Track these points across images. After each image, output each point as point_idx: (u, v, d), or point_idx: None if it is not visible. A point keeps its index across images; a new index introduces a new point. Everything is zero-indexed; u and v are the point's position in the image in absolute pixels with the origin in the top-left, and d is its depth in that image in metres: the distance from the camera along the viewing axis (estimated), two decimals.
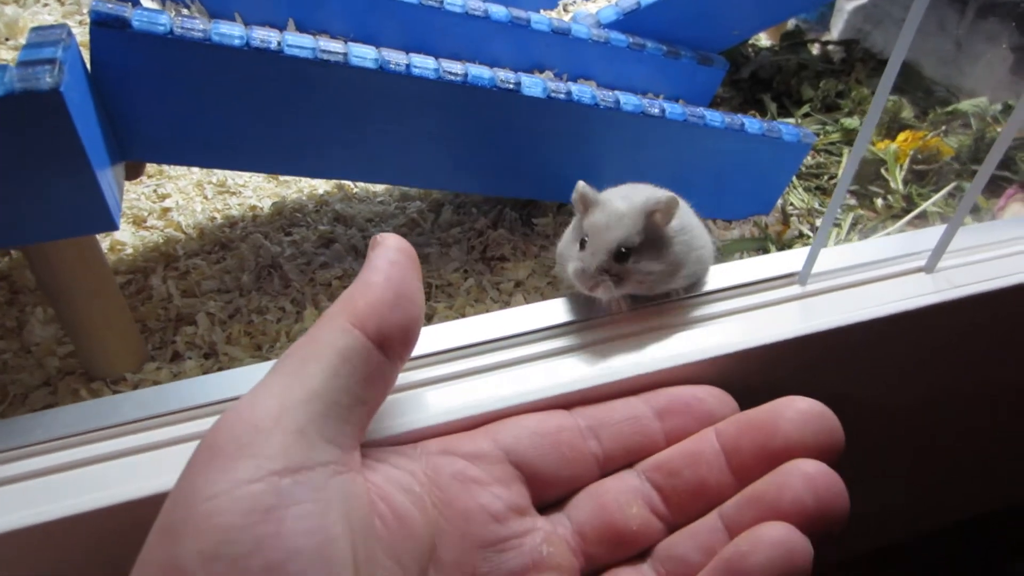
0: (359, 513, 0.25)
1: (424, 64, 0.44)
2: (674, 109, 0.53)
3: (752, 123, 0.57)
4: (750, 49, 0.87)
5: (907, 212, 0.63)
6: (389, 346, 0.28)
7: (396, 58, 0.43)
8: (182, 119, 0.42)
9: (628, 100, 0.51)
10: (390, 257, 0.29)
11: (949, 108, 0.73)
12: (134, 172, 0.47)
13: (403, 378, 0.36)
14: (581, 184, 0.39)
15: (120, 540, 0.31)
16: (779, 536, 0.25)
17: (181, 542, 0.22)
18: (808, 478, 0.27)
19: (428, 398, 0.35)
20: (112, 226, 0.36)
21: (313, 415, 0.25)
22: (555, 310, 0.40)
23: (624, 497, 0.31)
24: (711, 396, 0.34)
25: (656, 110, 0.52)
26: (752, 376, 0.39)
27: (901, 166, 0.66)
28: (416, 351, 0.36)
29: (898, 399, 0.49)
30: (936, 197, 0.62)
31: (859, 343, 0.43)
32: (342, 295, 0.28)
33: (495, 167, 0.51)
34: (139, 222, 0.63)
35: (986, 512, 0.72)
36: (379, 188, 0.67)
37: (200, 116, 0.42)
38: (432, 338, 0.37)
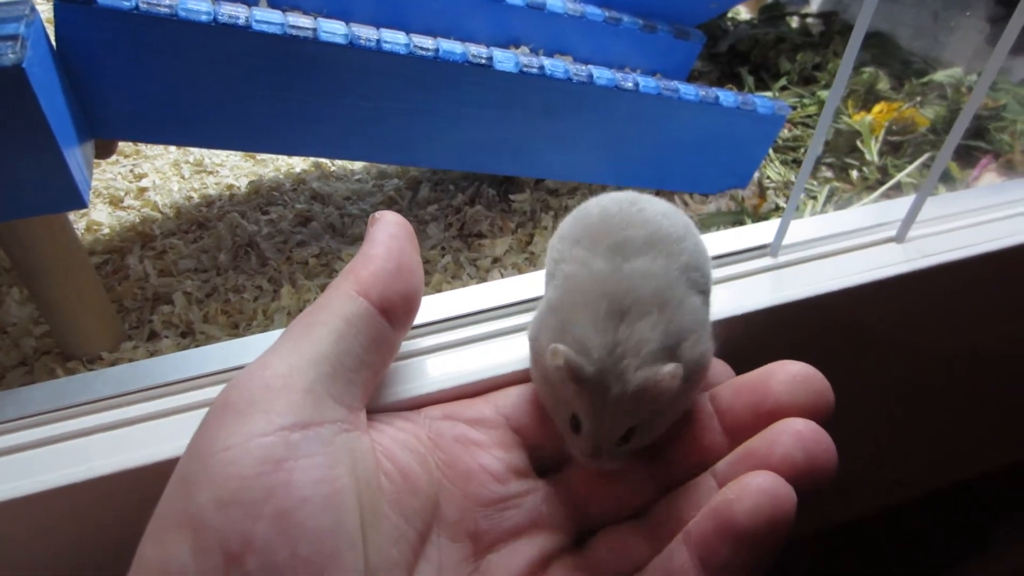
0: (365, 468, 0.26)
1: (395, 39, 0.44)
2: (648, 83, 0.53)
3: (727, 96, 0.57)
4: (728, 22, 0.87)
5: (882, 183, 0.63)
6: (392, 313, 0.29)
7: (366, 33, 0.43)
8: (150, 96, 0.42)
9: (601, 74, 0.51)
10: (390, 231, 0.30)
11: (924, 79, 0.73)
12: (106, 150, 0.47)
13: (405, 347, 0.36)
14: (564, 353, 0.28)
15: (107, 511, 0.31)
16: (765, 484, 0.26)
17: (198, 491, 0.23)
18: (798, 435, 0.27)
19: (430, 366, 0.35)
20: (80, 204, 0.36)
21: (321, 375, 0.26)
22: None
23: (623, 466, 0.31)
24: (715, 364, 0.35)
25: (630, 84, 0.52)
26: (726, 346, 0.39)
27: (876, 137, 0.66)
28: (419, 320, 0.37)
29: (872, 368, 0.50)
30: (911, 168, 0.63)
31: (831, 313, 0.43)
32: (345, 267, 0.29)
33: (469, 143, 0.51)
34: (116, 202, 0.62)
35: (967, 478, 0.73)
36: (356, 166, 0.67)
37: (169, 93, 0.42)
38: (434, 307, 0.38)
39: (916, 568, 0.91)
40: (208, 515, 0.23)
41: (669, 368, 0.27)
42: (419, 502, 0.28)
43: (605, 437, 0.29)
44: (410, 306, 0.30)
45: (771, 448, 0.27)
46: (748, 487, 0.26)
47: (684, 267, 0.30)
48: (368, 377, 0.28)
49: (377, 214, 0.31)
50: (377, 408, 0.32)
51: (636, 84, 0.52)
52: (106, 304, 0.47)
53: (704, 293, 0.32)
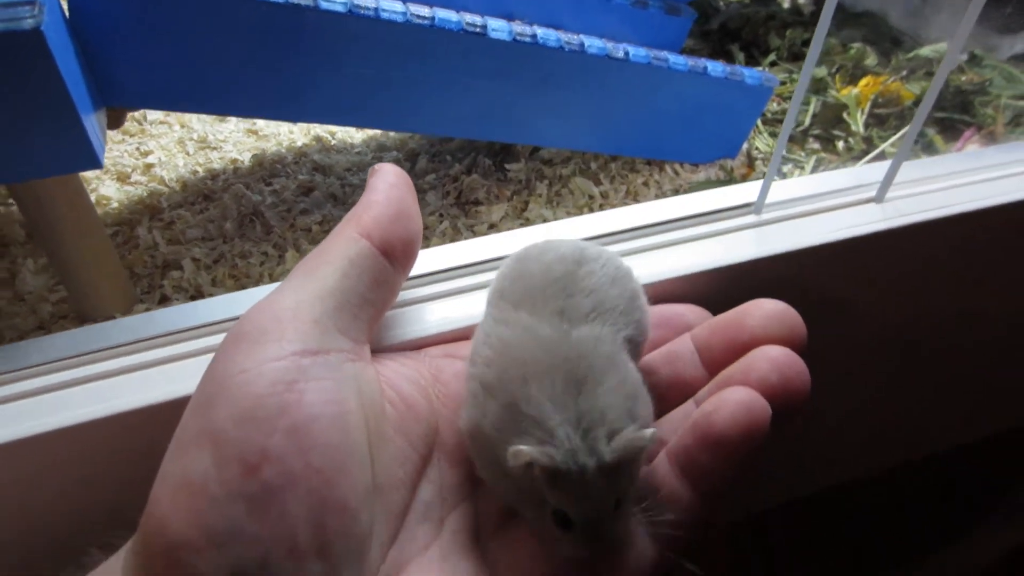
0: (371, 395, 0.28)
1: (392, 8, 0.46)
2: (638, 52, 0.54)
3: (715, 67, 0.59)
4: (720, 1, 0.89)
5: (867, 154, 0.65)
6: (393, 255, 0.30)
7: (365, 2, 0.45)
8: (159, 64, 0.44)
9: (592, 43, 0.52)
10: (389, 180, 0.32)
11: (910, 54, 0.75)
12: (115, 121, 0.49)
13: (407, 295, 0.38)
14: (529, 454, 0.25)
15: (123, 447, 0.34)
16: (742, 397, 0.28)
17: (216, 409, 0.25)
18: (772, 360, 0.29)
19: (429, 312, 0.37)
20: (96, 164, 0.38)
21: (327, 309, 0.28)
22: (543, 230, 0.42)
23: None
24: (690, 311, 0.37)
25: (620, 53, 0.53)
26: (710, 299, 0.41)
27: (862, 110, 0.68)
28: (418, 271, 0.39)
29: (855, 325, 0.52)
30: (894, 138, 0.65)
31: (812, 268, 0.45)
32: (348, 214, 0.31)
33: (464, 111, 0.53)
34: (123, 178, 0.64)
35: (983, 437, 0.74)
36: (356, 139, 0.69)
37: (176, 61, 0.44)
38: (434, 259, 0.40)
39: (905, 535, 0.93)
40: (227, 430, 0.25)
41: (648, 432, 0.26)
42: (421, 428, 0.30)
43: (605, 516, 0.26)
44: (410, 249, 0.32)
45: (747, 373, 0.29)
46: (726, 400, 0.28)
47: (628, 339, 0.29)
48: (371, 314, 0.30)
49: (377, 166, 0.33)
50: (381, 349, 0.34)
51: (626, 53, 0.54)
52: (119, 268, 0.49)
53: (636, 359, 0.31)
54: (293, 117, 0.50)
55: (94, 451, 0.33)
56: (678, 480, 0.28)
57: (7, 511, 0.33)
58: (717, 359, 0.32)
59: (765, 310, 0.32)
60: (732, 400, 0.28)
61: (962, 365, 0.62)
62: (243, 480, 0.24)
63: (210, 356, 0.28)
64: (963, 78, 0.74)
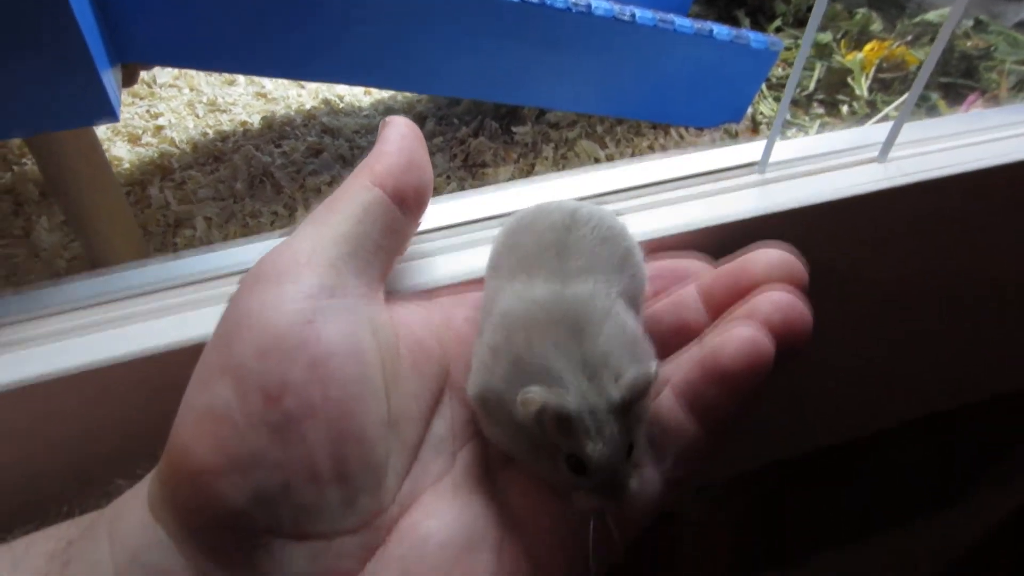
0: (385, 335, 0.29)
1: None
2: (644, 15, 0.55)
3: (721, 30, 0.59)
4: None
5: (871, 118, 0.66)
6: (405, 203, 0.31)
7: None
8: (173, 20, 0.44)
9: (599, 5, 0.53)
10: (400, 131, 0.33)
11: (916, 19, 0.75)
12: (129, 78, 0.50)
13: (418, 248, 0.39)
14: (538, 395, 0.25)
15: (141, 389, 0.35)
16: (747, 332, 0.29)
17: (237, 344, 0.26)
18: (774, 300, 0.30)
19: (440, 263, 0.38)
20: (113, 117, 0.39)
21: (342, 253, 0.29)
22: (551, 187, 0.42)
23: None
24: (693, 263, 0.38)
25: (627, 15, 0.54)
26: (714, 256, 0.42)
27: (867, 74, 0.69)
28: (431, 225, 0.39)
29: (857, 284, 0.52)
30: (898, 101, 0.65)
31: (815, 226, 0.46)
32: (360, 163, 0.32)
33: (471, 72, 0.54)
34: (134, 139, 0.65)
35: (984, 399, 0.74)
36: (364, 103, 0.69)
37: (191, 18, 0.44)
38: (444, 213, 0.40)
39: (905, 497, 0.94)
40: (248, 363, 0.26)
41: (653, 365, 0.26)
42: (433, 367, 0.31)
43: (618, 461, 0.26)
44: (421, 197, 0.32)
45: (750, 314, 0.30)
46: (732, 336, 0.29)
47: (623, 293, 0.30)
48: (384, 260, 0.31)
49: (388, 118, 0.34)
50: (393, 298, 0.36)
51: (633, 16, 0.54)
52: (133, 224, 0.50)
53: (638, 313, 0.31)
54: (302, 76, 0.50)
55: (114, 391, 0.34)
56: (684, 415, 0.29)
57: (35, 445, 0.34)
58: (721, 304, 0.33)
59: (768, 256, 0.33)
60: (738, 336, 0.29)
61: (963, 325, 0.63)
62: (265, 410, 0.25)
63: (224, 303, 0.29)
64: (968, 44, 0.75)
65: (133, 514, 0.26)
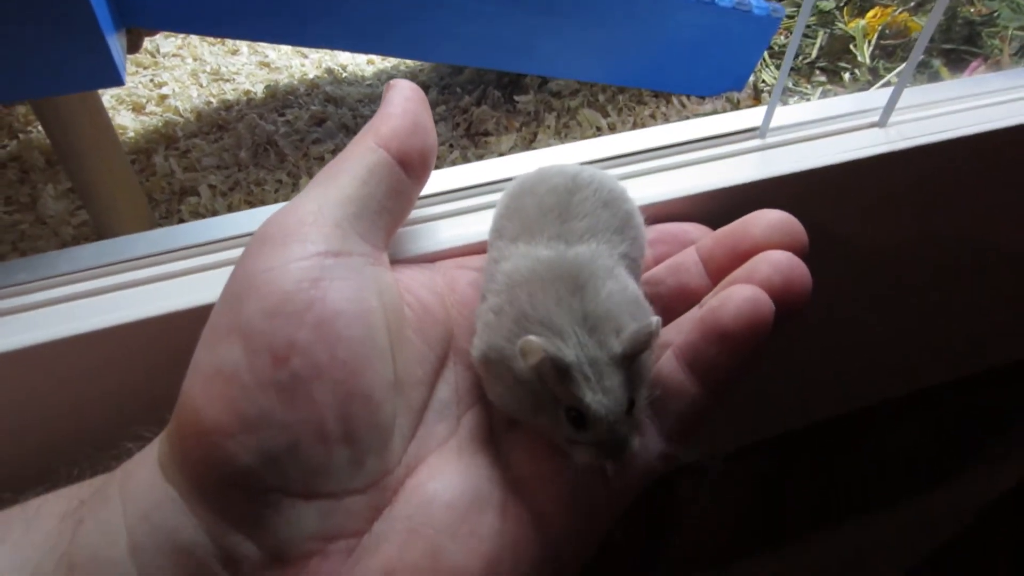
0: (391, 297, 0.30)
1: None
2: None
3: None
4: None
5: (873, 85, 0.66)
6: (409, 165, 0.31)
7: None
8: None
9: None
10: (405, 94, 0.33)
11: None
12: (132, 45, 0.50)
13: (422, 213, 0.39)
14: (539, 344, 0.25)
15: (149, 352, 0.35)
16: (747, 292, 0.29)
17: (245, 304, 0.26)
18: (774, 262, 0.30)
19: (444, 227, 0.38)
20: (118, 80, 0.39)
21: (347, 214, 0.29)
22: (553, 156, 0.43)
23: None
24: (695, 229, 0.38)
25: None
26: (714, 221, 0.43)
27: (869, 41, 0.68)
28: (433, 190, 0.40)
29: (856, 250, 0.53)
30: (900, 68, 0.65)
31: (815, 191, 0.46)
32: (365, 126, 0.32)
33: (473, 39, 0.54)
34: (138, 108, 0.65)
35: (984, 369, 0.74)
36: (367, 72, 0.69)
37: None
38: (447, 179, 0.41)
39: (905, 469, 0.95)
40: (256, 323, 0.26)
41: (654, 320, 0.26)
42: (438, 331, 0.32)
43: (619, 415, 0.26)
44: (425, 160, 0.33)
45: (750, 276, 0.30)
46: (732, 296, 0.29)
47: (624, 255, 0.30)
48: (389, 222, 0.32)
49: (392, 82, 0.34)
50: (397, 261, 0.36)
51: None
52: (138, 191, 0.51)
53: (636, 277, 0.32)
54: (305, 42, 0.50)
55: (123, 354, 0.35)
56: (685, 375, 0.30)
57: (44, 408, 0.35)
58: (721, 268, 0.33)
59: (768, 218, 0.33)
60: (738, 296, 0.29)
61: (964, 293, 0.63)
62: (273, 370, 0.26)
63: (230, 269, 0.29)
64: (970, 9, 0.74)
65: (144, 475, 0.26)
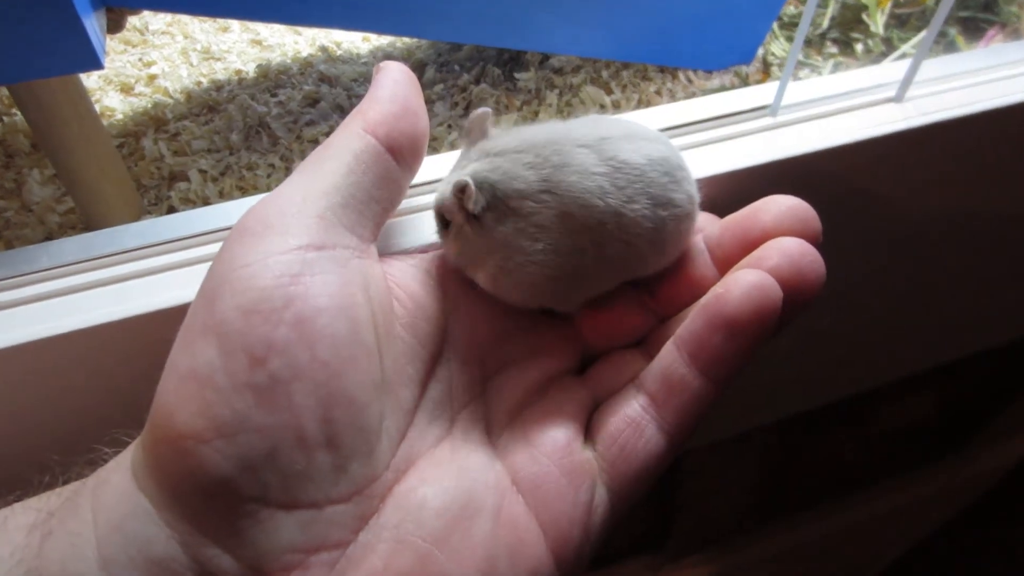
0: (378, 292, 0.28)
1: None
2: None
3: None
4: None
5: (887, 56, 0.63)
6: (399, 152, 0.30)
7: None
8: None
9: None
10: (394, 77, 0.31)
11: None
12: (115, 25, 0.48)
13: (414, 203, 0.38)
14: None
15: (132, 349, 0.34)
16: (753, 278, 0.27)
17: (221, 301, 0.25)
18: (784, 250, 0.28)
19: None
20: (97, 65, 0.37)
21: (332, 204, 0.27)
22: None
23: (617, 300, 0.33)
24: (701, 216, 0.37)
25: None
26: (725, 204, 0.41)
27: (883, 10, 0.66)
28: (424, 177, 0.38)
29: (872, 230, 0.51)
30: (916, 39, 0.63)
31: (830, 171, 0.44)
32: (353, 110, 0.30)
33: (471, 15, 0.51)
34: (127, 89, 0.63)
35: (992, 347, 0.73)
36: (363, 50, 0.67)
37: None
38: (438, 166, 0.39)
39: (907, 449, 0.94)
40: (232, 322, 0.25)
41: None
42: (430, 327, 0.30)
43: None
44: (416, 146, 0.31)
45: (759, 264, 0.28)
46: (737, 282, 0.27)
47: None
48: (378, 212, 0.30)
49: (382, 64, 0.32)
50: (388, 254, 0.34)
51: None
52: (126, 177, 0.49)
53: None
54: (296, 20, 0.48)
55: (102, 354, 0.34)
56: (687, 368, 0.28)
57: (18, 410, 0.34)
58: (729, 256, 0.31)
59: (779, 205, 0.31)
60: (744, 281, 0.27)
61: (982, 270, 0.62)
62: (250, 371, 0.24)
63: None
64: None
65: (116, 483, 0.25)
